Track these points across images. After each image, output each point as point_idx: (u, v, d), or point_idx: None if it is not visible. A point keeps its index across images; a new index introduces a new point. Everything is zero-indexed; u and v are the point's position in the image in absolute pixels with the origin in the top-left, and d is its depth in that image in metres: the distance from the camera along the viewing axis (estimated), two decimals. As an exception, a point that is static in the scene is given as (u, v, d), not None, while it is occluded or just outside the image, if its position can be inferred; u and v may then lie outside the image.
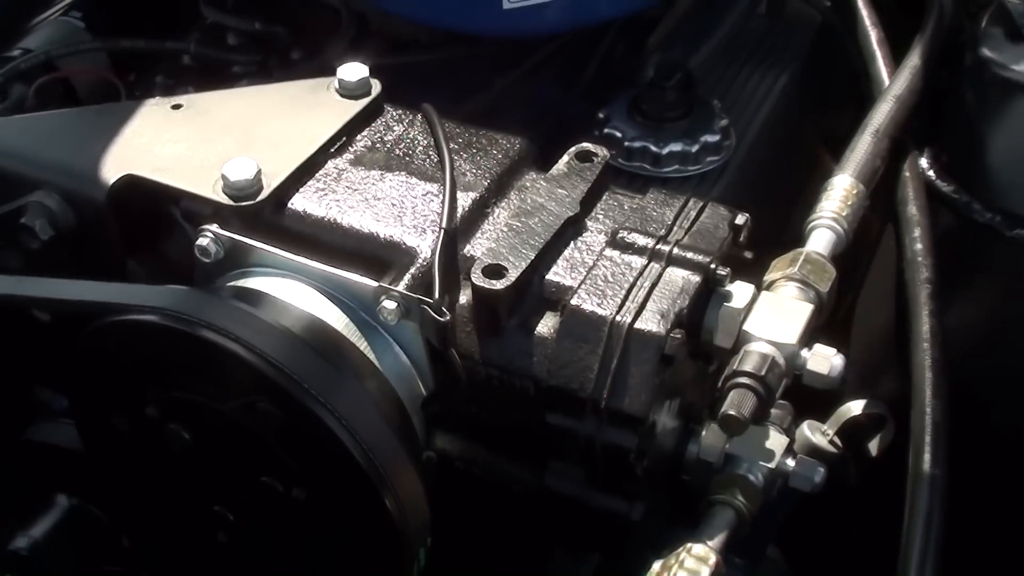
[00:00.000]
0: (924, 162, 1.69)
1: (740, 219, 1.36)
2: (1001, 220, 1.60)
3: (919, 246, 1.52)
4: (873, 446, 1.71)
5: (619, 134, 1.70)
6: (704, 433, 1.40)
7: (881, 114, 1.64)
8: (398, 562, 1.26)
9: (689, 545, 1.27)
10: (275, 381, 1.21)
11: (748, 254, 1.37)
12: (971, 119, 1.67)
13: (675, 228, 1.35)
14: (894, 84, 1.70)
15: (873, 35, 1.84)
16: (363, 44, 1.78)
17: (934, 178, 1.67)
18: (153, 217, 1.42)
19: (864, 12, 1.88)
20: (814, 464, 1.39)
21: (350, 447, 1.21)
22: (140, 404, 1.31)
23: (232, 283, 1.35)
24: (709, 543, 1.28)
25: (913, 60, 1.74)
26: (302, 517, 1.29)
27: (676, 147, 1.69)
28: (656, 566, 1.26)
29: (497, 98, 1.83)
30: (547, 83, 1.89)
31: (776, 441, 1.42)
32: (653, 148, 1.69)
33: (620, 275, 1.29)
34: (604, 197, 1.40)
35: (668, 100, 1.71)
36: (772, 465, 1.38)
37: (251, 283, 1.34)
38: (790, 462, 1.39)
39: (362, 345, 1.30)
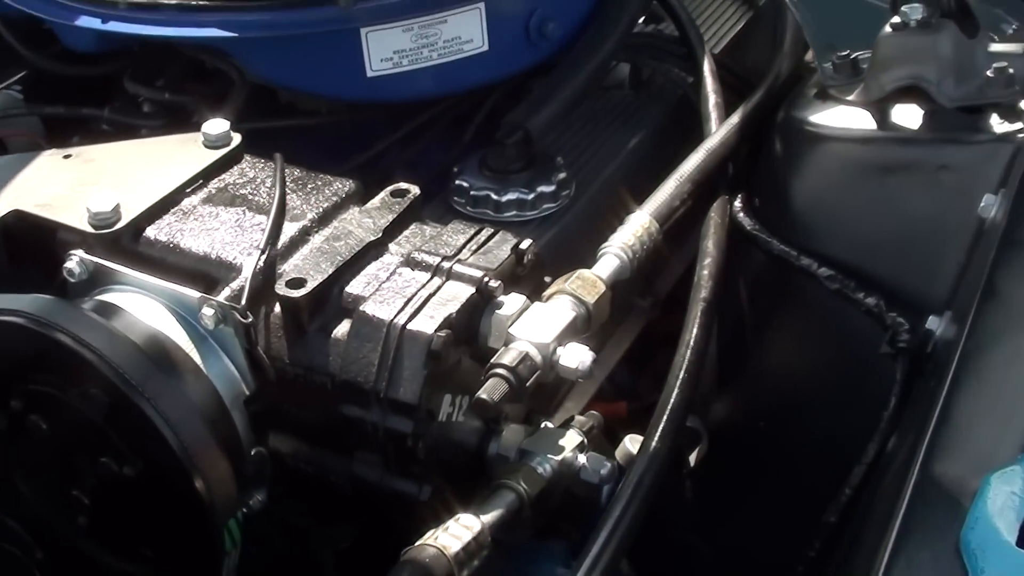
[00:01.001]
0: (737, 204, 1.91)
1: (524, 244, 1.59)
2: (793, 252, 1.80)
3: (705, 272, 1.73)
4: (691, 459, 1.92)
5: (467, 184, 1.92)
6: (504, 432, 1.61)
7: (690, 163, 1.86)
8: (208, 533, 1.47)
9: (459, 515, 1.47)
10: (106, 375, 1.44)
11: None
12: (775, 167, 1.89)
13: (464, 250, 1.57)
14: (709, 139, 1.92)
15: (711, 100, 2.07)
16: (252, 108, 2.01)
17: (742, 218, 1.88)
18: (39, 245, 1.66)
19: (708, 80, 2.11)
20: (601, 459, 1.60)
21: (164, 432, 1.43)
22: (7, 398, 1.54)
23: (93, 298, 1.58)
24: (481, 517, 1.48)
25: (733, 119, 1.97)
26: (134, 495, 1.50)
27: (514, 195, 1.90)
28: (428, 534, 1.46)
29: (381, 155, 2.05)
30: (430, 143, 2.11)
31: (571, 440, 1.62)
32: (494, 196, 1.91)
33: (406, 287, 1.52)
34: (411, 226, 1.62)
35: (509, 155, 1.93)
36: (560, 458, 1.58)
37: (106, 297, 1.57)
38: (581, 458, 1.60)
39: (189, 349, 1.52)
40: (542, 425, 1.65)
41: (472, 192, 1.92)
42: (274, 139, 1.89)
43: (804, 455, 1.84)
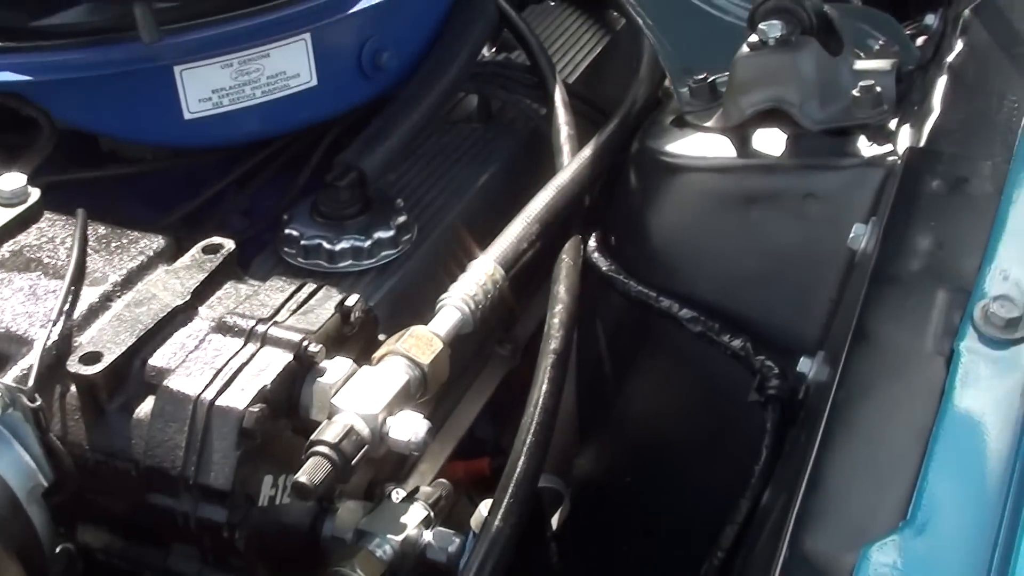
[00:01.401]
0: (592, 243, 1.76)
1: (350, 300, 1.42)
2: (652, 294, 1.65)
3: (556, 321, 1.58)
4: (553, 521, 1.76)
5: (297, 233, 1.75)
6: (339, 511, 1.44)
7: (538, 201, 1.71)
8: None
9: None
10: None
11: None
12: (630, 201, 1.74)
13: (283, 310, 1.40)
14: (559, 175, 1.77)
15: (563, 132, 1.92)
16: (71, 157, 1.83)
17: (597, 258, 1.73)
18: None
19: (559, 111, 1.96)
20: (449, 534, 1.44)
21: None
22: None
23: None
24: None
25: (586, 152, 1.82)
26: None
27: (348, 244, 1.74)
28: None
29: (212, 202, 1.88)
30: (265, 186, 1.94)
31: (414, 516, 1.46)
32: (327, 245, 1.74)
33: (215, 356, 1.35)
34: (225, 286, 1.45)
35: (343, 199, 1.76)
36: (402, 537, 1.42)
37: None
38: (427, 535, 1.43)
39: (-21, 439, 1.34)
40: (387, 496, 1.48)
41: (303, 242, 1.76)
42: (95, 191, 1.75)
43: (674, 512, 1.70)
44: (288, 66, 1.79)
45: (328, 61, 1.82)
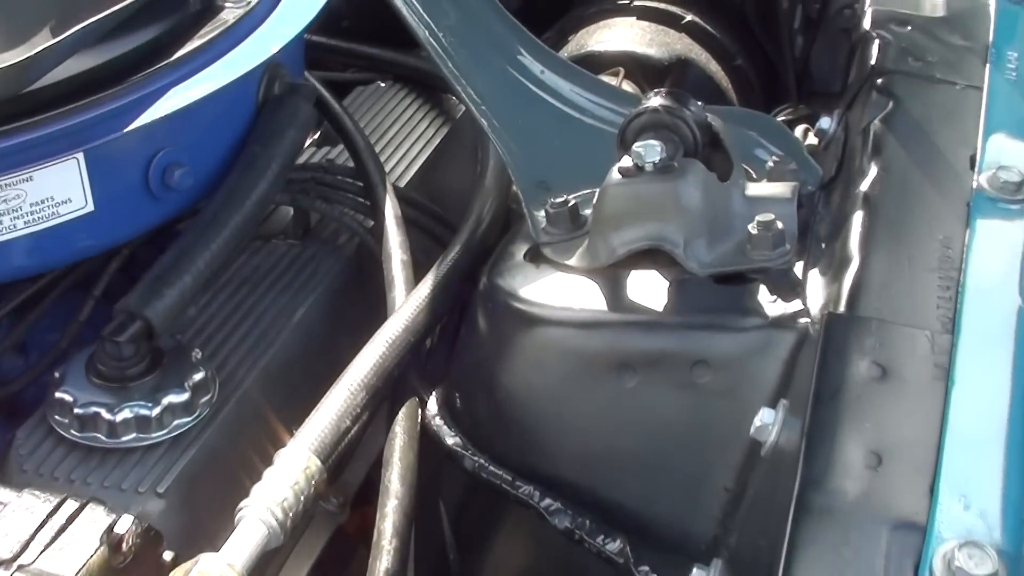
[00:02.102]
0: (433, 406, 1.43)
1: (122, 524, 1.09)
2: (507, 477, 1.33)
3: (388, 523, 1.26)
4: None
5: (70, 398, 1.40)
6: None
7: (363, 362, 1.38)
8: None
9: None
10: None
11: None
12: (479, 353, 1.42)
13: (32, 544, 1.07)
14: (390, 321, 1.44)
15: (395, 258, 1.59)
16: None
17: (440, 427, 1.40)
18: None
19: (390, 229, 1.64)
20: None
21: None
22: None
23: None
24: None
25: (423, 288, 1.50)
26: None
27: (131, 412, 1.39)
28: None
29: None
30: (44, 318, 1.61)
31: None
32: (106, 415, 1.39)
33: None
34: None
35: (125, 356, 1.42)
36: None
37: None
38: None
39: None
40: None
41: (77, 409, 1.40)
42: None
43: None
44: (56, 190, 1.46)
45: (107, 182, 1.48)
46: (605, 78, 2.03)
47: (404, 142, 2.05)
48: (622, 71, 2.04)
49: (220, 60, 1.52)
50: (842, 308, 1.18)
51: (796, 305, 1.26)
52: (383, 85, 2.19)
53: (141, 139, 1.49)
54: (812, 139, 1.72)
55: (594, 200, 1.41)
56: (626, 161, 1.36)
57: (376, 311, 1.59)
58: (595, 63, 2.14)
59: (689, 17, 2.22)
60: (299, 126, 1.62)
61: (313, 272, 1.71)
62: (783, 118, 2.08)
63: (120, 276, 1.63)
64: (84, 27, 1.37)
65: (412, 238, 1.75)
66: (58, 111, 1.41)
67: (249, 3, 1.57)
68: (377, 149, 1.98)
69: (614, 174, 1.36)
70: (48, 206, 1.46)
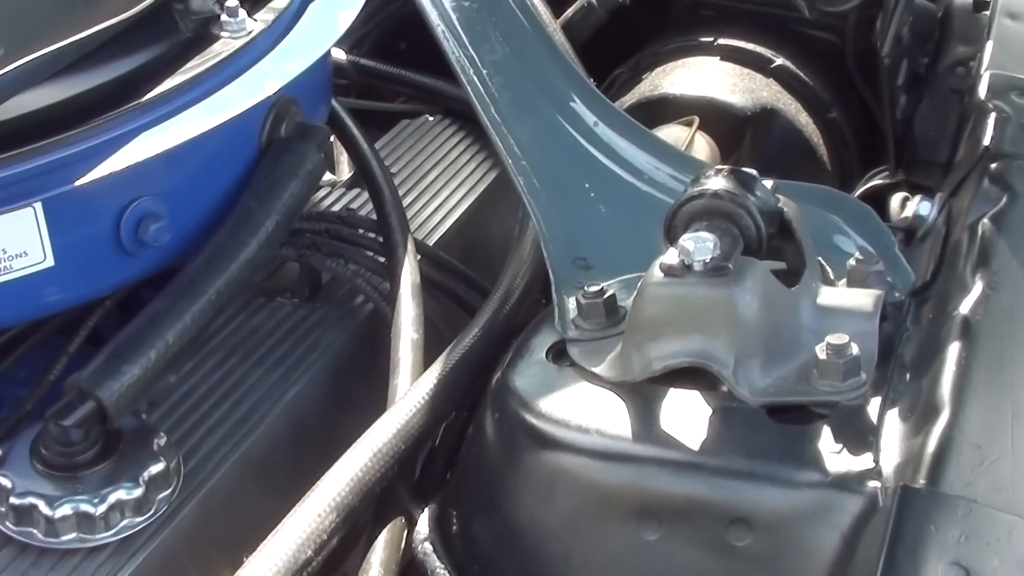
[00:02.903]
0: (422, 527, 1.20)
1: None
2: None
3: None
4: None
5: (8, 484, 1.20)
6: None
7: (339, 477, 1.16)
8: None
9: None
10: None
11: None
12: (484, 467, 1.20)
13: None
14: (379, 424, 1.21)
15: (403, 339, 1.39)
16: None
17: (427, 555, 1.17)
18: None
19: (404, 302, 1.41)
20: None
21: None
22: None
23: None
24: None
25: (426, 382, 1.27)
26: None
27: (71, 508, 1.18)
28: None
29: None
30: (15, 369, 1.44)
31: None
32: (43, 509, 1.19)
33: None
34: None
35: (72, 441, 1.21)
36: None
37: None
38: None
39: None
40: None
41: (13, 498, 1.21)
42: None
43: None
44: (11, 242, 1.25)
45: (70, 235, 1.28)
46: (677, 128, 1.79)
47: (445, 187, 1.82)
48: (696, 120, 1.78)
49: (208, 99, 1.29)
50: (922, 478, 0.92)
51: (866, 461, 1.01)
52: (431, 119, 1.95)
53: (111, 187, 1.27)
54: (910, 211, 1.47)
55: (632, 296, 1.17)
56: (671, 256, 1.11)
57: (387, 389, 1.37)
58: (669, 107, 1.89)
59: (779, 61, 1.96)
60: (304, 177, 1.39)
61: (316, 342, 1.49)
62: (879, 182, 1.82)
63: (118, 317, 1.42)
64: (36, 59, 1.15)
65: (438, 305, 1.53)
66: (11, 153, 1.20)
67: (250, 32, 1.34)
68: (414, 193, 1.77)
69: (655, 271, 1.11)
70: (2, 260, 1.25)
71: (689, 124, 1.78)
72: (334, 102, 1.67)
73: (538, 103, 1.52)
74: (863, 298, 1.15)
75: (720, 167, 1.17)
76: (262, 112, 1.38)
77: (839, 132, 1.95)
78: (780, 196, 1.19)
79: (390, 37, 2.15)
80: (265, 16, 1.39)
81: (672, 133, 1.77)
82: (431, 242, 1.70)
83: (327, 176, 1.70)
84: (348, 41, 1.95)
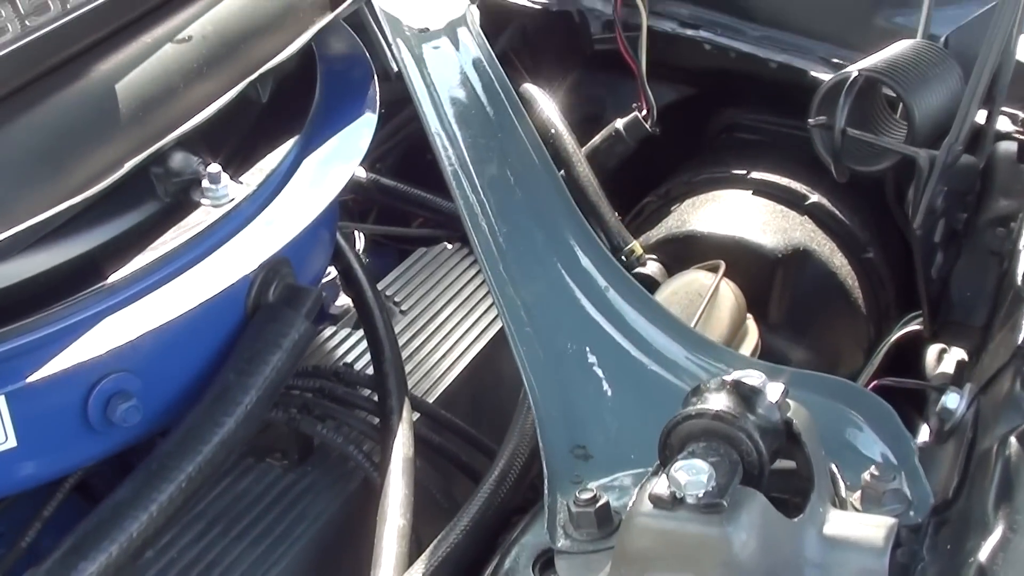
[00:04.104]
0: None
1: None
2: None
3: None
4: None
5: None
6: None
7: None
8: None
9: None
10: None
11: None
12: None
13: None
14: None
15: (391, 522, 1.29)
16: None
17: None
18: None
19: (394, 476, 1.33)
20: None
21: None
22: None
23: None
24: None
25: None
26: None
27: None
28: None
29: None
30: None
31: None
32: None
33: None
34: None
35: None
36: None
37: None
38: None
39: None
40: None
41: None
42: None
43: None
44: (-32, 425, 1.17)
45: (32, 417, 1.20)
46: (701, 273, 1.70)
47: (459, 326, 1.74)
48: (723, 267, 1.68)
49: (186, 273, 1.22)
50: None
51: None
52: (449, 248, 1.87)
53: (76, 369, 1.18)
54: (945, 368, 1.38)
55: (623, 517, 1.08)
56: (662, 485, 1.02)
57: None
58: (697, 245, 1.79)
59: (814, 198, 1.86)
60: (290, 349, 1.31)
61: (304, 512, 1.42)
62: (916, 327, 1.72)
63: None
64: None
65: (435, 472, 1.44)
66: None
67: (232, 200, 1.26)
68: (425, 333, 1.70)
69: (644, 502, 1.02)
70: (-40, 442, 1.18)
71: (714, 269, 1.69)
72: (340, 239, 1.60)
73: (548, 259, 1.44)
74: (874, 529, 1.06)
75: (725, 378, 1.07)
76: (247, 280, 1.30)
77: (876, 272, 1.85)
78: (790, 402, 1.10)
79: (416, 151, 2.08)
80: (252, 178, 1.31)
81: (696, 279, 1.68)
82: (439, 389, 1.62)
83: (340, 301, 1.60)
84: (371, 156, 1.87)
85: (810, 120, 1.51)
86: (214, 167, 1.26)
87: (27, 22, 1.14)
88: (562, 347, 1.36)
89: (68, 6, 1.18)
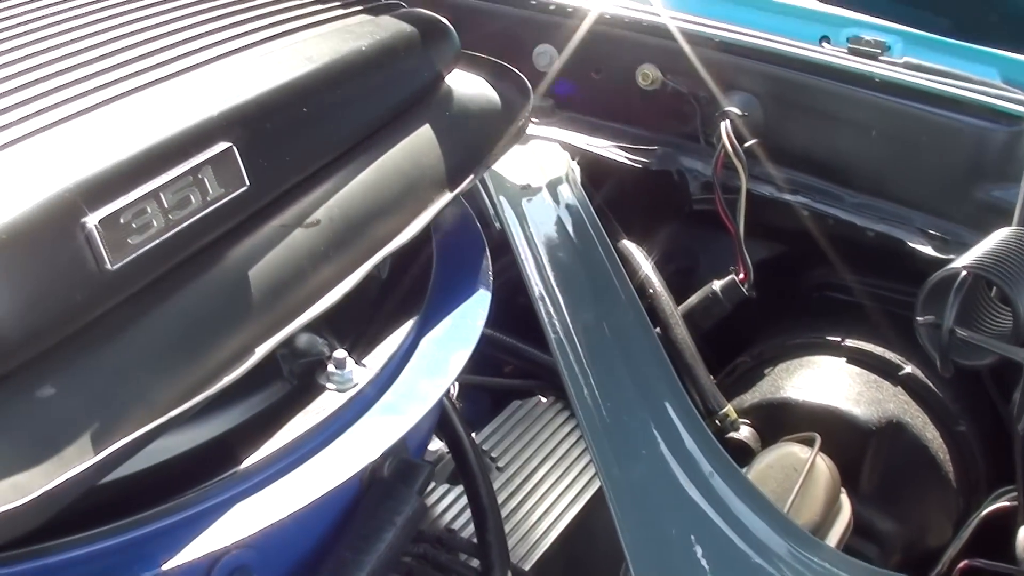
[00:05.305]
0: None
1: None
2: None
3: None
4: None
5: None
6: None
7: None
8: None
9: None
10: None
11: None
12: None
13: None
14: None
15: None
16: None
17: None
18: None
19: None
20: None
21: None
22: None
23: None
24: None
25: None
26: None
27: None
28: None
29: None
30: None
31: None
32: None
33: None
34: None
35: None
36: None
37: None
38: None
39: None
40: None
41: None
42: None
43: None
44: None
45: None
46: (796, 447, 1.72)
47: (553, 487, 1.76)
48: (818, 442, 1.70)
49: (310, 461, 1.25)
50: None
51: None
52: (544, 402, 1.90)
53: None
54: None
55: None
56: None
57: None
58: (791, 413, 1.82)
59: (908, 369, 1.87)
60: (404, 525, 1.34)
61: None
62: (1006, 503, 1.73)
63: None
64: (138, 436, 1.11)
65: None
66: (83, 535, 1.14)
67: (356, 384, 1.30)
68: (520, 495, 1.72)
69: None
70: None
71: (809, 442, 1.71)
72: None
73: (650, 439, 1.46)
74: None
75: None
76: (362, 463, 1.33)
77: (967, 446, 1.86)
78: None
79: (509, 294, 2.11)
80: (373, 361, 1.34)
81: (792, 453, 1.70)
82: (534, 557, 1.64)
83: (434, 445, 1.62)
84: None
85: (918, 319, 1.53)
86: (340, 352, 1.30)
87: (170, 216, 1.18)
88: (667, 533, 1.37)
89: (208, 198, 1.22)
